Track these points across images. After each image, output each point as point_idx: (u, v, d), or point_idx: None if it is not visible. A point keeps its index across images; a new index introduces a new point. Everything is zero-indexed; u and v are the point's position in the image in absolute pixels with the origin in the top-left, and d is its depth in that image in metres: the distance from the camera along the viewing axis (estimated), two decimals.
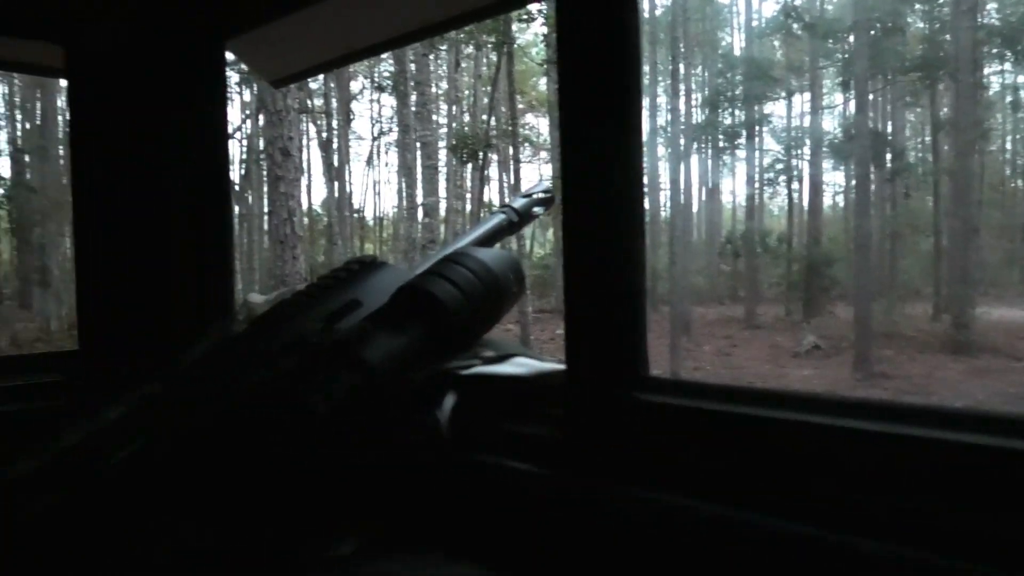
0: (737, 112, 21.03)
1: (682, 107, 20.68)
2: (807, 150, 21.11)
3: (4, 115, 21.77)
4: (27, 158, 19.82)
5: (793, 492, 0.74)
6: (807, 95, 21.96)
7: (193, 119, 1.41)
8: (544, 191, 1.34)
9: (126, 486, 0.77)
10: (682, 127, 20.11)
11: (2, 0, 1.28)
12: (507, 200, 1.37)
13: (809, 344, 15.10)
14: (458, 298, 0.99)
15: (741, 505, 0.76)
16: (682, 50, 20.19)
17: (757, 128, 20.91)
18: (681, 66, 20.20)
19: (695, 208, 25.47)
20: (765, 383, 12.71)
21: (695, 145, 21.99)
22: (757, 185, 21.95)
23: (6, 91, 21.82)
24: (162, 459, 0.79)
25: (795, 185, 22.76)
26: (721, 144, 21.64)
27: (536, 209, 1.32)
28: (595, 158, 0.88)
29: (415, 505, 0.98)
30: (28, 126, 21.75)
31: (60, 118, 20.33)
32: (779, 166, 21.80)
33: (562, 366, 0.95)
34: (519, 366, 1.02)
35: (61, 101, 19.89)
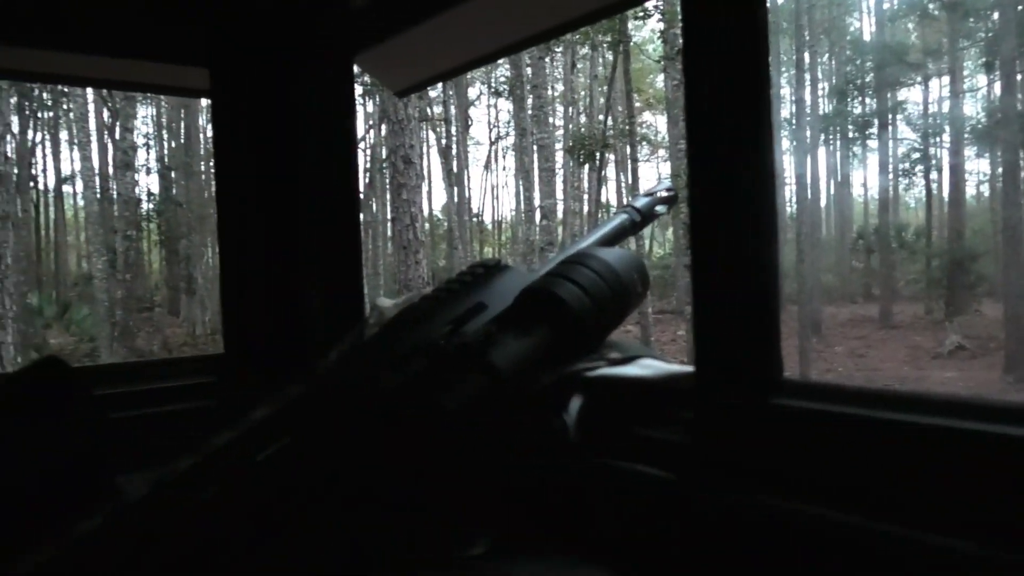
0: (868, 100, 19.98)
1: (808, 98, 19.86)
2: (947, 137, 19.79)
3: (153, 135, 23.50)
4: (173, 175, 21.29)
5: (940, 503, 0.70)
6: (946, 79, 20.60)
7: (325, 132, 1.47)
8: (667, 189, 1.32)
9: (271, 482, 0.81)
10: (808, 118, 19.31)
11: (154, 30, 1.38)
12: (628, 200, 1.35)
13: (952, 344, 14.17)
14: (582, 299, 0.99)
15: (883, 517, 0.72)
16: (807, 38, 19.41)
17: (891, 116, 19.80)
18: (806, 55, 19.43)
19: (823, 202, 24.42)
20: (903, 386, 12.03)
21: (822, 137, 21.08)
22: (891, 176, 20.78)
23: (154, 113, 23.57)
24: (303, 457, 0.83)
25: (934, 175, 21.43)
26: (851, 135, 20.61)
27: (659, 208, 1.30)
28: (724, 155, 0.86)
29: (543, 508, 0.98)
30: (174, 145, 23.41)
31: (202, 136, 21.77)
32: (916, 155, 20.57)
33: (690, 368, 0.93)
34: (646, 368, 1.01)
35: (202, 120, 21.30)
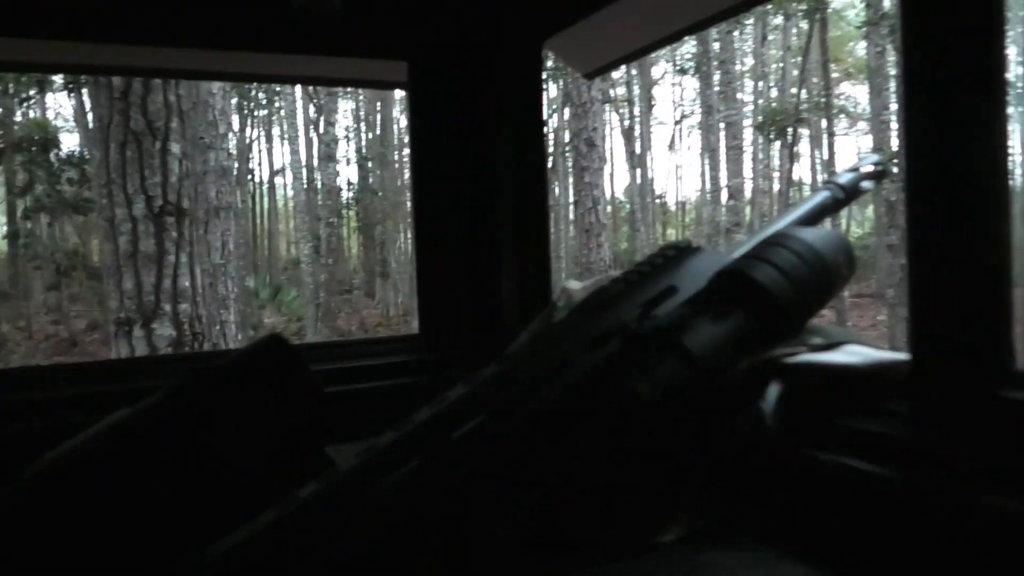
0: None
1: None
2: None
3: (352, 128, 25.08)
4: (370, 164, 22.63)
5: None
6: None
7: (516, 118, 1.49)
8: (873, 163, 1.23)
9: (467, 458, 0.84)
10: None
11: (357, 29, 1.46)
12: (827, 175, 1.27)
13: None
14: (781, 282, 0.94)
15: None
16: None
17: None
18: None
19: None
20: None
21: None
22: None
23: (353, 107, 25.13)
24: (497, 436, 0.85)
25: None
26: None
27: (865, 184, 1.21)
28: (947, 124, 0.78)
29: (739, 498, 0.95)
30: (371, 136, 24.86)
31: (396, 127, 22.96)
32: None
33: (906, 356, 0.85)
34: (853, 355, 0.94)
35: (396, 111, 22.46)
